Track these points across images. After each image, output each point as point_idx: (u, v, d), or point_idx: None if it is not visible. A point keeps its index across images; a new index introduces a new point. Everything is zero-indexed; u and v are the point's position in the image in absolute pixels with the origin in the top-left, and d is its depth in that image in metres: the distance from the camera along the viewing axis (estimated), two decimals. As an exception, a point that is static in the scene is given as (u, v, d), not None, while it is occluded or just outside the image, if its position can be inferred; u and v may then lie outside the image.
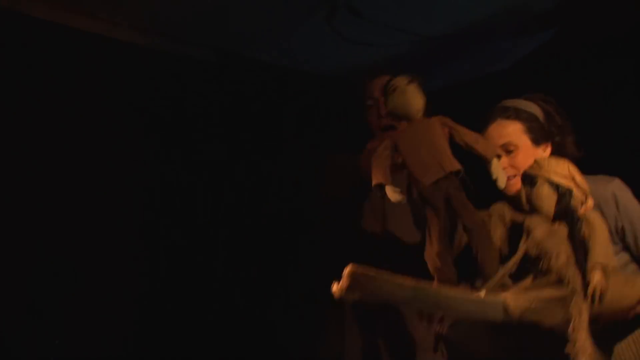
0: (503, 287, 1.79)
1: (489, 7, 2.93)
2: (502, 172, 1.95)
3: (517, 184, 2.17)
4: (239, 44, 3.22)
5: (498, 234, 1.92)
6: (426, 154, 1.91)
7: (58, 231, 2.83)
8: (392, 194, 1.90)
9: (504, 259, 1.87)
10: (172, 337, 3.10)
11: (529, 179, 1.93)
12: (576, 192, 1.89)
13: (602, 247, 1.83)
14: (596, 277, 1.78)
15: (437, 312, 1.73)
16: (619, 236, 2.14)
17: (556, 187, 1.89)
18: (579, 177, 1.93)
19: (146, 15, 2.94)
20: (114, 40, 2.99)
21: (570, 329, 1.73)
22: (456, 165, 1.91)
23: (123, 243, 3.01)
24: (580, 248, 1.81)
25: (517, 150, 2.19)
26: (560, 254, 1.80)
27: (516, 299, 1.73)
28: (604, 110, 2.97)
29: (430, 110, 2.46)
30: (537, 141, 2.22)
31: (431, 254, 1.87)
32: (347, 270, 1.57)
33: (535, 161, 1.98)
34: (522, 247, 1.84)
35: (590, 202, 1.90)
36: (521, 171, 2.16)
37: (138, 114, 3.10)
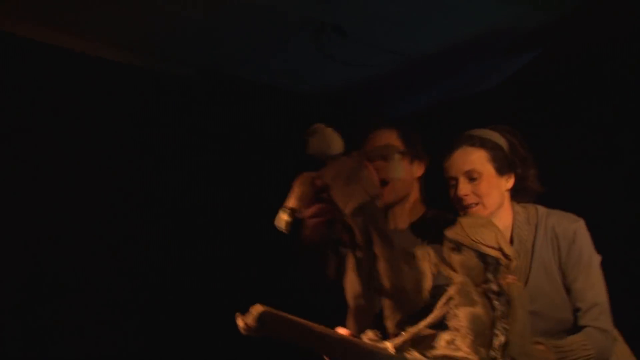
0: (414, 343, 1.73)
1: (473, 27, 2.96)
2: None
3: (477, 213, 2.17)
4: (225, 63, 3.23)
5: (422, 274, 1.82)
6: (348, 182, 1.86)
7: (59, 233, 2.87)
8: (281, 217, 1.80)
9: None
10: (172, 337, 3.11)
11: (454, 243, 1.83)
12: (503, 261, 1.80)
13: (518, 336, 1.75)
14: None
15: None
16: (563, 271, 2.16)
17: (484, 257, 1.79)
18: (505, 245, 1.84)
19: (133, 35, 2.95)
20: (100, 59, 3.01)
21: None
22: (378, 190, 1.89)
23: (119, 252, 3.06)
24: (499, 332, 1.75)
25: (480, 178, 2.18)
26: (478, 336, 1.72)
27: None
28: (589, 129, 3.00)
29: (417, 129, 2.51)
30: (501, 171, 2.22)
31: (351, 282, 1.83)
32: (254, 309, 1.53)
33: (459, 223, 1.87)
34: (439, 311, 1.76)
35: (514, 264, 1.83)
36: (483, 199, 2.17)
37: (125, 131, 3.11)
